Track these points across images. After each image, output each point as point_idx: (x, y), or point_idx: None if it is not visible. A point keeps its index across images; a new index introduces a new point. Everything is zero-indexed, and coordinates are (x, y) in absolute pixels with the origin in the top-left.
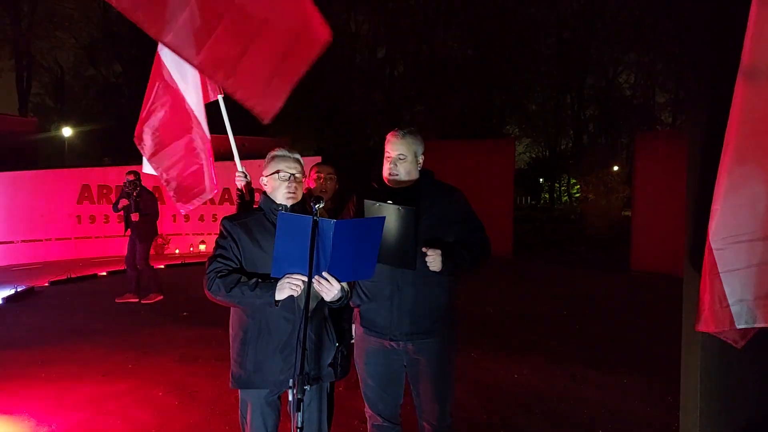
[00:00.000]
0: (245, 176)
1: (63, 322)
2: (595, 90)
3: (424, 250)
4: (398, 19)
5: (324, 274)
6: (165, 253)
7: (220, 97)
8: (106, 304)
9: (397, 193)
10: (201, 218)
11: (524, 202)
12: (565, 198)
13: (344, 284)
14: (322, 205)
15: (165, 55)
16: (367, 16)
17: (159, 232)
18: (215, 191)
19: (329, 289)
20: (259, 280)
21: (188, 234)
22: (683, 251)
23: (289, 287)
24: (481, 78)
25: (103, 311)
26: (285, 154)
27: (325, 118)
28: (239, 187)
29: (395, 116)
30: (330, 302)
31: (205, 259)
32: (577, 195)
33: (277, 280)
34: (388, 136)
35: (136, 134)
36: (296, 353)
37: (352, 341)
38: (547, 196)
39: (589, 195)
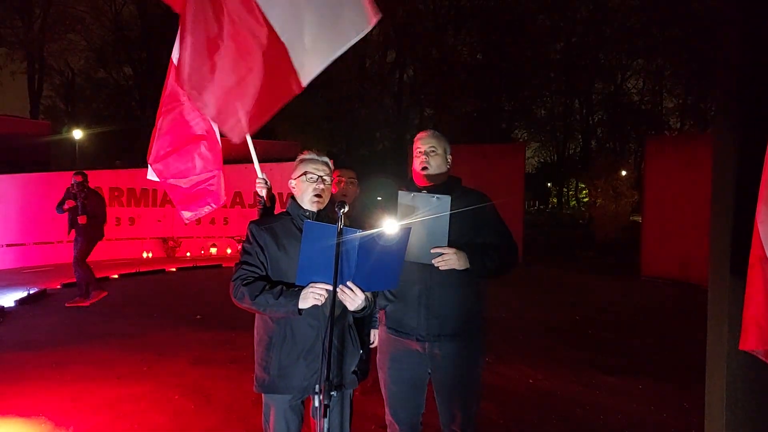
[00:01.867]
0: (266, 183)
1: (76, 324)
2: (604, 95)
3: (433, 250)
4: (409, 23)
5: (348, 283)
6: (176, 256)
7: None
8: (118, 306)
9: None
10: (212, 221)
11: (532, 207)
12: (573, 202)
13: (368, 294)
14: (346, 210)
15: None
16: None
17: (171, 235)
18: (222, 202)
19: (353, 298)
20: (284, 287)
21: (199, 237)
22: (704, 260)
23: (312, 297)
24: (491, 83)
25: (116, 313)
26: (313, 156)
27: (335, 121)
28: (261, 194)
29: (404, 120)
30: (353, 311)
31: (217, 263)
32: (585, 200)
33: (301, 287)
34: (417, 136)
35: (152, 142)
36: (320, 360)
37: (372, 345)
38: (555, 200)
39: (598, 199)
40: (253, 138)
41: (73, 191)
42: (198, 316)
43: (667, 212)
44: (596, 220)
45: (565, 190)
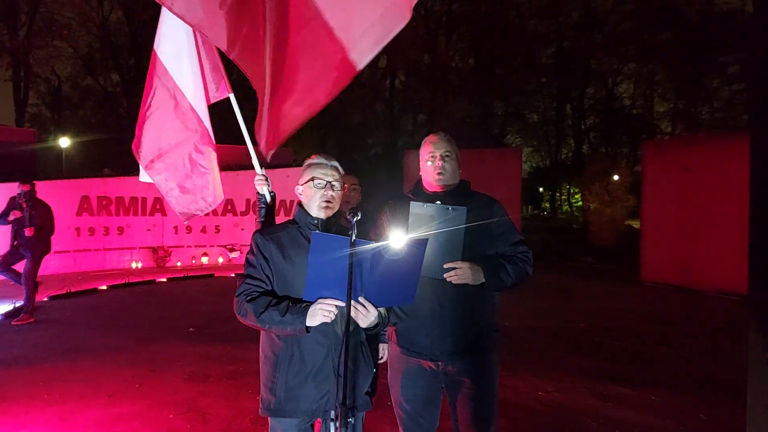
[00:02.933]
0: (266, 179)
1: (64, 338)
2: (595, 100)
3: (446, 266)
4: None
5: (360, 299)
6: (166, 266)
7: (231, 96)
8: (107, 319)
9: (437, 200)
10: (203, 230)
11: (526, 212)
12: (566, 207)
13: (382, 310)
14: (359, 218)
15: (163, 53)
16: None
17: (161, 244)
18: (220, 201)
19: (366, 315)
20: (290, 303)
21: (190, 246)
22: (705, 265)
23: (321, 314)
24: (483, 88)
25: (105, 326)
26: (321, 161)
27: (327, 127)
28: (260, 192)
29: (397, 126)
30: (365, 328)
31: (208, 273)
32: (578, 204)
33: (309, 303)
34: (428, 139)
35: (134, 142)
36: (331, 380)
37: (382, 360)
38: (548, 205)
39: (591, 204)
40: (243, 144)
41: (20, 201)
42: (191, 329)
43: (666, 216)
44: (592, 225)
45: (558, 194)
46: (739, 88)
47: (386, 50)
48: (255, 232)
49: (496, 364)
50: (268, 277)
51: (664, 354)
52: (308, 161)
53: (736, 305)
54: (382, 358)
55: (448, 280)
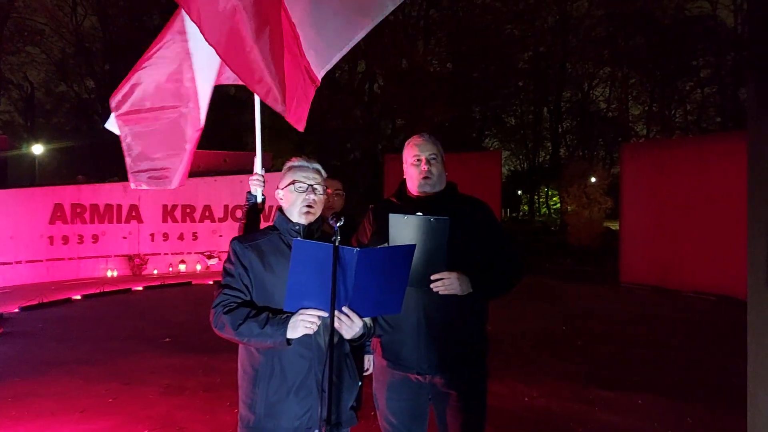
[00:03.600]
0: (262, 181)
1: (35, 351)
2: (572, 103)
3: (434, 277)
4: (378, 33)
5: (344, 309)
6: (143, 274)
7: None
8: (81, 330)
9: (422, 205)
10: (180, 237)
11: (504, 215)
12: (544, 210)
13: (367, 320)
14: (342, 223)
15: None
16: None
17: (137, 252)
18: (180, 185)
19: (350, 326)
20: (270, 314)
21: (167, 254)
22: (682, 266)
23: (303, 325)
24: (461, 92)
25: (79, 338)
26: (303, 163)
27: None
28: (254, 193)
29: (376, 131)
30: (350, 340)
31: (186, 280)
32: (555, 207)
33: (290, 314)
34: (412, 141)
35: (119, 86)
36: (314, 395)
37: (367, 372)
38: (526, 208)
39: (569, 206)
40: (223, 149)
41: None
42: (167, 339)
43: (644, 218)
44: (570, 227)
45: (536, 197)
46: (710, 91)
47: (365, 55)
48: (233, 239)
49: (485, 376)
50: (246, 286)
51: (648, 357)
52: (289, 164)
53: (714, 305)
54: (367, 370)
55: (434, 290)
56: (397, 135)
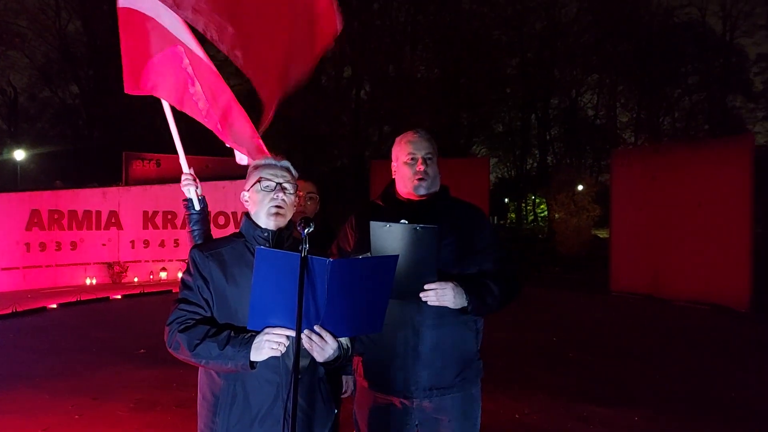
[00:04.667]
0: (194, 179)
1: (2, 363)
2: (559, 111)
3: (427, 286)
4: (365, 39)
5: (316, 328)
6: (122, 281)
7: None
8: (53, 341)
9: (411, 209)
10: (162, 244)
11: (492, 222)
12: (531, 217)
13: (343, 340)
14: (311, 229)
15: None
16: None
17: (116, 259)
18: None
19: (322, 347)
20: (231, 333)
21: (148, 261)
22: (674, 274)
23: (269, 346)
24: (449, 98)
25: (51, 350)
26: (270, 161)
27: (293, 138)
28: (188, 196)
29: (363, 137)
30: (323, 363)
31: (167, 288)
32: (543, 215)
33: (254, 332)
34: (406, 138)
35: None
36: (282, 425)
37: (345, 394)
38: (513, 215)
39: (557, 213)
40: (206, 154)
41: None
42: (141, 350)
43: (635, 226)
44: (558, 235)
45: (523, 205)
46: (699, 98)
47: (351, 61)
48: (192, 248)
49: (479, 399)
50: (207, 301)
51: (642, 369)
52: (254, 162)
53: (707, 315)
54: (345, 392)
55: (424, 300)
56: (384, 142)
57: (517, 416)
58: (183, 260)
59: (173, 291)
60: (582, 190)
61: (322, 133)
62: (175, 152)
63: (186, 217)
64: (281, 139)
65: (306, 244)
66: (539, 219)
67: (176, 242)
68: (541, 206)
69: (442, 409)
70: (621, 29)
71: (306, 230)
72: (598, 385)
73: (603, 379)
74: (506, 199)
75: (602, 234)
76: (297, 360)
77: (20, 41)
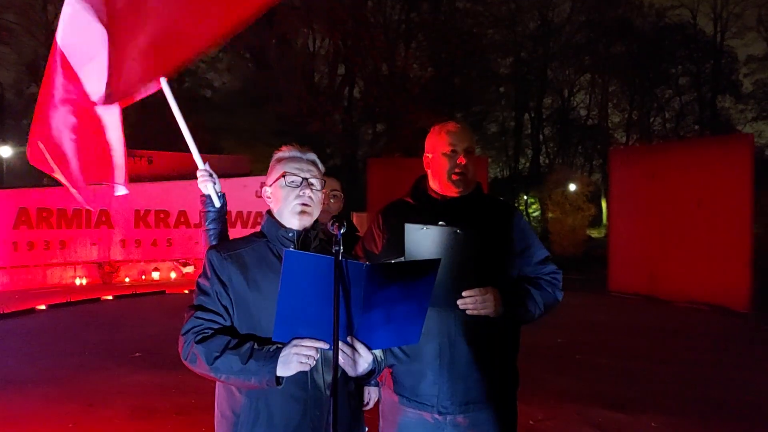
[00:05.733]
0: (212, 175)
1: None
2: (552, 110)
3: (465, 293)
4: (359, 36)
5: (349, 339)
6: (113, 282)
7: (163, 80)
8: (43, 344)
9: (446, 209)
10: (154, 243)
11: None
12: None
13: (377, 352)
14: (345, 230)
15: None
16: (327, 33)
17: (107, 259)
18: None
19: (356, 360)
20: (255, 345)
21: (139, 261)
22: (672, 274)
23: (297, 360)
24: (442, 97)
25: (41, 353)
26: (295, 153)
27: (285, 136)
28: (205, 192)
29: (356, 136)
30: (356, 377)
31: (160, 289)
32: (535, 214)
33: (280, 345)
34: (444, 127)
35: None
36: None
37: (367, 407)
38: None
39: (550, 213)
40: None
41: None
42: (137, 354)
43: (633, 225)
44: (552, 235)
45: (516, 205)
46: (689, 99)
47: (345, 59)
48: (209, 249)
49: (516, 414)
50: (226, 308)
51: (652, 372)
52: (277, 154)
53: (707, 315)
54: (367, 404)
55: (462, 308)
56: (376, 141)
57: (531, 422)
58: (176, 260)
59: (166, 291)
60: (576, 189)
61: (315, 131)
62: (171, 149)
63: (202, 214)
64: (272, 137)
65: (340, 246)
66: (532, 219)
67: (169, 242)
68: (534, 206)
69: (478, 424)
70: (613, 30)
71: (341, 230)
72: (609, 388)
73: (613, 383)
74: (500, 199)
75: (595, 234)
76: (335, 377)
77: (8, 35)
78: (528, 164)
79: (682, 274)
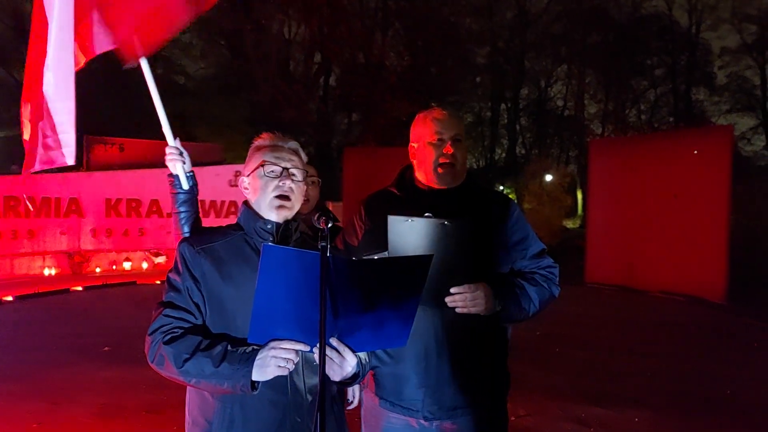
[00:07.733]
0: (182, 153)
1: None
2: (529, 101)
3: (453, 290)
4: (335, 23)
5: (333, 341)
6: (83, 272)
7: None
8: (8, 337)
9: (435, 200)
10: (126, 233)
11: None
12: None
13: (362, 355)
14: (332, 225)
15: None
16: (303, 20)
17: (77, 248)
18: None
19: (340, 364)
20: (229, 346)
21: (110, 251)
22: (649, 265)
23: (275, 364)
24: (419, 86)
25: (5, 348)
26: (275, 141)
27: (259, 124)
28: (174, 172)
29: (331, 125)
30: (339, 382)
31: (131, 280)
32: None
33: (256, 346)
34: (431, 114)
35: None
36: None
37: (350, 406)
38: None
39: (527, 204)
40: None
41: None
42: (106, 348)
43: (611, 216)
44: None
45: None
46: (664, 91)
47: (321, 46)
48: (181, 242)
49: (506, 420)
50: (197, 305)
51: (631, 364)
52: (257, 142)
53: (683, 306)
54: (351, 402)
55: (451, 306)
56: (351, 130)
57: (512, 418)
58: (148, 250)
59: (137, 282)
60: (553, 180)
61: (290, 119)
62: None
63: (172, 197)
64: (245, 125)
65: (327, 242)
66: None
67: (141, 231)
68: (510, 196)
69: (466, 430)
70: (590, 19)
71: (328, 224)
72: (589, 382)
73: (593, 376)
74: (493, 189)
75: (570, 224)
76: (323, 382)
77: None
78: (504, 154)
79: (659, 265)
